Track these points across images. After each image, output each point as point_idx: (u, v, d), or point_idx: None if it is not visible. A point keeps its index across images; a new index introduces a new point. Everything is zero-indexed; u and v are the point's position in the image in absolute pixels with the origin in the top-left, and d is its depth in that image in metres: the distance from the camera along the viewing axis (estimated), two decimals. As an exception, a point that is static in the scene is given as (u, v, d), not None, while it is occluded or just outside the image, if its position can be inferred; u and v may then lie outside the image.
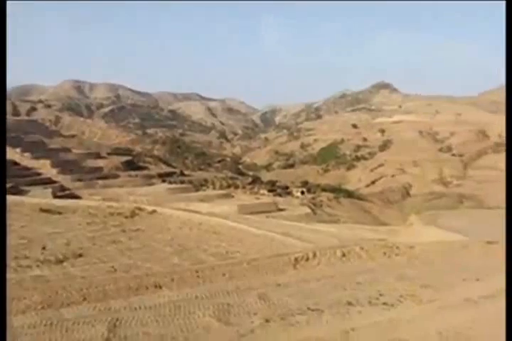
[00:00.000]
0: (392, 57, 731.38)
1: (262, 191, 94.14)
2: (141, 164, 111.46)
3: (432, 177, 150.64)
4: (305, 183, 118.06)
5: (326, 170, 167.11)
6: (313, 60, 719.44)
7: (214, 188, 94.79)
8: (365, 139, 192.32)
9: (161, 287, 12.55)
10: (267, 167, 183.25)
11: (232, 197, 78.24)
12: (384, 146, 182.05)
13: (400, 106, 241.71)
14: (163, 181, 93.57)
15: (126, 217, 31.40)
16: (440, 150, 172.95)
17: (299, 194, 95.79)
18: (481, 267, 15.08)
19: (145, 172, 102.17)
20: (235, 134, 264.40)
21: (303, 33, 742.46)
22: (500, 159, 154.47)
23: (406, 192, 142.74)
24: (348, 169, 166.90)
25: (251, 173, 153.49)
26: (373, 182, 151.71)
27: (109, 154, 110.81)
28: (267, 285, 12.90)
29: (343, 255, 16.37)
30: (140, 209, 35.51)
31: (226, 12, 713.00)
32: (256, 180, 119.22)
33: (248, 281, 13.30)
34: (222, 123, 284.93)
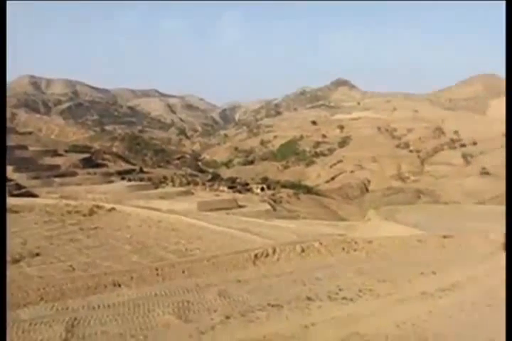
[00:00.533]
0: (352, 55, 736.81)
1: (221, 188, 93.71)
2: (99, 161, 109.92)
3: (390, 173, 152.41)
4: (265, 180, 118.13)
5: (285, 167, 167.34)
6: (272, 57, 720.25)
7: (174, 185, 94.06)
8: (324, 136, 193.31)
9: (120, 285, 12.41)
10: (227, 164, 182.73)
11: (192, 194, 77.71)
12: (343, 143, 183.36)
13: (359, 103, 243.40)
14: (123, 178, 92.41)
15: (84, 215, 31.04)
16: (398, 146, 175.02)
17: (258, 190, 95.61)
18: (437, 261, 15.27)
19: (104, 169, 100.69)
20: (195, 131, 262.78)
21: (263, 30, 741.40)
22: (456, 155, 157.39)
23: (365, 187, 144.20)
24: (308, 165, 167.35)
25: (211, 170, 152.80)
26: (332, 178, 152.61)
27: (66, 151, 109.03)
28: (227, 282, 12.88)
29: (303, 250, 16.42)
30: (98, 207, 35.16)
31: (185, 8, 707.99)
32: (216, 177, 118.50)
33: (208, 278, 13.25)
34: (182, 120, 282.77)
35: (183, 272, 13.71)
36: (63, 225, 26.67)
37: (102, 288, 12.14)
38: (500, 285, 11.17)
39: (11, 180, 77.87)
